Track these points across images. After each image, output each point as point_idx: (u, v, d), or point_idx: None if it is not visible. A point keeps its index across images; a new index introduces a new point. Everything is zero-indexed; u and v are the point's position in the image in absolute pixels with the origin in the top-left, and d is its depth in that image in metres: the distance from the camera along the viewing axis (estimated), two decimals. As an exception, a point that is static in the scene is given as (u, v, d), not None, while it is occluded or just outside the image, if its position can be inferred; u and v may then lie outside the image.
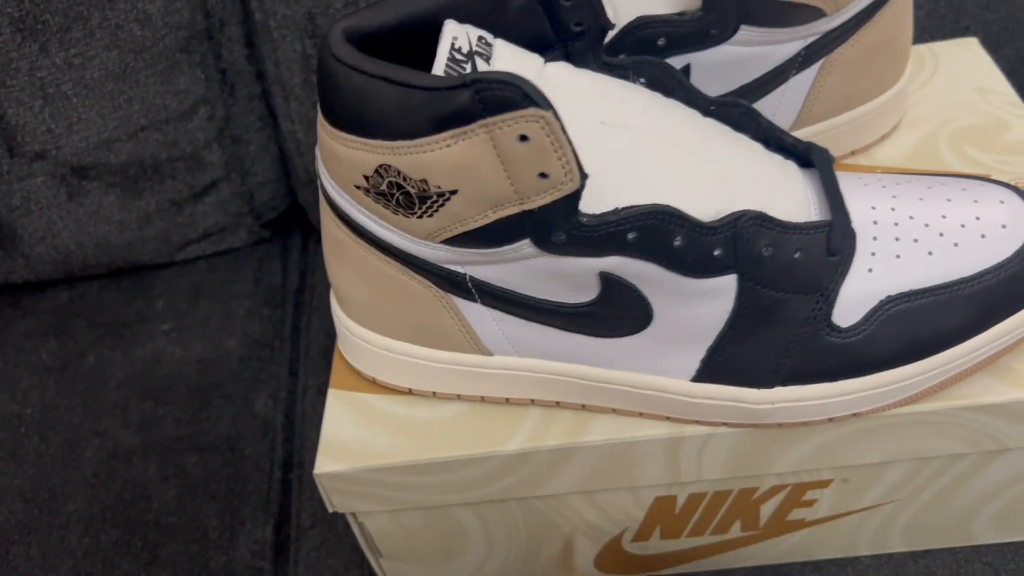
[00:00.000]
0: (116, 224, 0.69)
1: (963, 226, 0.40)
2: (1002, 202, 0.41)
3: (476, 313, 0.40)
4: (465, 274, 0.39)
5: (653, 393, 0.41)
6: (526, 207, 0.35)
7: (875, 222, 0.40)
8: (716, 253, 0.36)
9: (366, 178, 0.36)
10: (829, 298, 0.38)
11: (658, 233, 0.35)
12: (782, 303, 0.38)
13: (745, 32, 0.44)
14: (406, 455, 0.42)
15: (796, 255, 0.37)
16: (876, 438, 0.42)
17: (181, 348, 0.67)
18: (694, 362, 0.40)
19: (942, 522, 0.48)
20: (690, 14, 0.43)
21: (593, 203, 0.35)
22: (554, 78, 0.37)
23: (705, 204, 0.37)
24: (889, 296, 0.38)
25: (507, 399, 0.43)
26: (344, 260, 0.41)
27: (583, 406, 0.43)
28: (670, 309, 0.38)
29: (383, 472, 0.43)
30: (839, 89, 0.49)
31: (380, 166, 0.35)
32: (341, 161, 0.36)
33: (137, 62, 0.64)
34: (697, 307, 0.38)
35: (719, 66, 0.45)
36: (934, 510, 0.47)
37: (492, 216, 0.35)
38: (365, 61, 0.33)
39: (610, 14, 0.45)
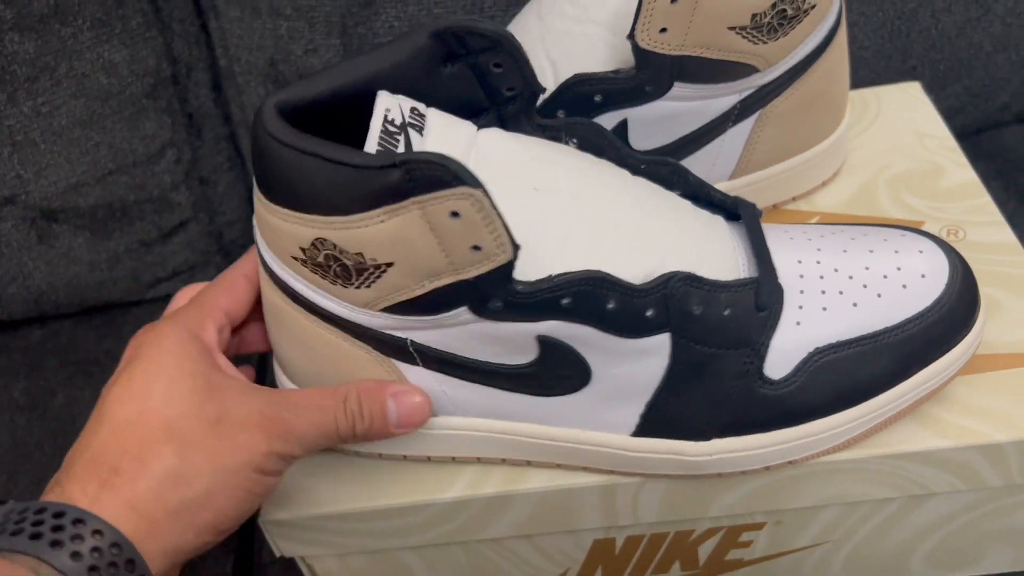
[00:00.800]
0: (86, 265, 0.71)
1: (885, 277, 0.41)
2: (921, 252, 0.42)
3: (419, 377, 0.40)
4: (406, 339, 0.39)
5: (595, 448, 0.42)
6: (461, 277, 0.35)
7: (801, 275, 0.41)
8: (648, 314, 0.37)
9: (303, 250, 0.36)
10: (760, 352, 0.39)
11: (591, 298, 0.36)
12: (715, 358, 0.39)
13: (679, 88, 0.46)
14: (348, 502, 0.44)
15: (726, 312, 0.38)
16: (805, 484, 0.43)
17: (149, 386, 0.68)
18: (634, 417, 0.41)
19: (879, 561, 0.49)
20: (625, 72, 0.45)
21: (529, 268, 0.36)
22: (487, 146, 0.38)
23: (637, 266, 0.38)
24: (817, 348, 0.40)
25: (453, 458, 0.44)
26: (283, 327, 0.41)
27: (528, 463, 0.44)
28: (607, 368, 0.39)
29: (327, 519, 0.44)
30: (776, 140, 0.50)
31: (316, 239, 0.35)
32: (277, 233, 0.37)
33: (104, 109, 0.66)
34: (633, 365, 0.39)
35: (656, 120, 0.47)
36: (869, 550, 0.48)
37: (429, 286, 0.36)
38: (297, 137, 0.34)
39: (549, 71, 0.47)
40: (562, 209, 0.38)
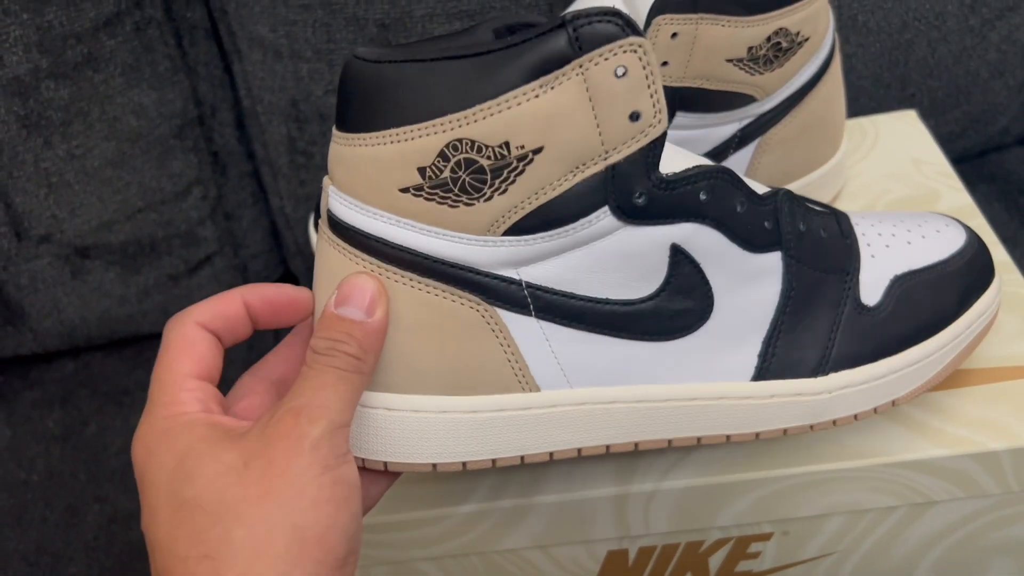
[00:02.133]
0: (117, 299, 0.74)
1: (920, 226, 0.45)
2: (939, 220, 0.46)
3: (527, 332, 0.37)
4: (520, 280, 0.36)
5: (715, 403, 0.40)
6: (611, 161, 0.34)
7: (855, 224, 0.44)
8: (767, 224, 0.39)
9: (421, 172, 0.33)
10: (854, 277, 0.41)
11: (724, 194, 0.37)
12: (820, 283, 0.40)
13: (682, 118, 0.48)
14: (369, 515, 0.46)
15: (823, 233, 0.41)
16: (808, 493, 0.45)
17: (178, 415, 0.71)
18: (751, 358, 0.40)
19: (885, 573, 0.50)
20: (627, 105, 0.47)
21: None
22: None
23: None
24: (896, 275, 0.42)
25: (551, 454, 0.39)
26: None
27: (636, 445, 0.40)
28: (729, 294, 0.39)
29: (352, 534, 0.46)
30: (776, 165, 0.53)
31: (448, 144, 0.33)
32: (384, 166, 0.34)
33: (134, 150, 0.69)
34: (753, 289, 0.39)
35: (658, 149, 0.49)
36: (876, 560, 0.50)
37: (573, 179, 0.34)
38: (413, 50, 0.33)
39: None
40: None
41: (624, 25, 0.31)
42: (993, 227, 0.54)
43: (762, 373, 0.40)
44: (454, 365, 0.37)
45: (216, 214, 0.75)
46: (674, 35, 0.44)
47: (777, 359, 0.40)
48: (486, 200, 0.34)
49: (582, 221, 0.35)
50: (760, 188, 0.41)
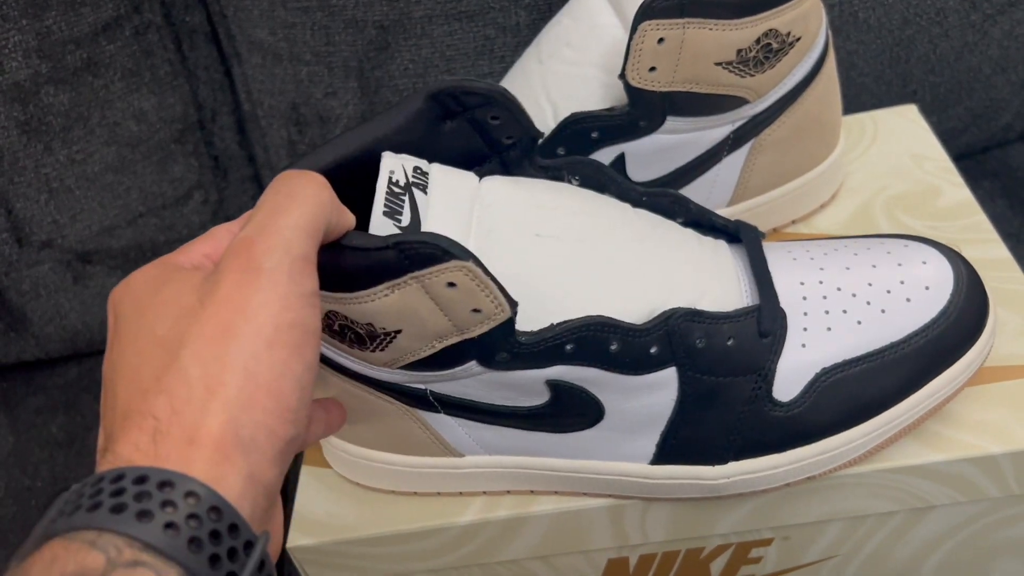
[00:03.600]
0: (120, 304, 0.74)
1: (889, 292, 0.42)
2: (924, 263, 0.43)
3: (442, 422, 0.42)
4: (426, 389, 0.41)
5: (616, 478, 0.43)
6: (467, 336, 0.37)
7: (804, 297, 0.42)
8: (652, 351, 0.39)
9: (326, 323, 0.38)
10: (767, 376, 0.40)
11: (594, 342, 0.38)
12: (723, 386, 0.40)
13: (673, 122, 0.48)
14: (371, 528, 0.46)
15: (729, 342, 0.39)
16: (807, 500, 0.45)
17: (181, 419, 0.71)
18: (650, 447, 0.42)
19: (890, 573, 0.50)
20: (619, 109, 0.47)
21: (535, 315, 0.38)
22: (488, 195, 0.40)
23: (639, 304, 0.39)
24: (824, 368, 0.41)
25: (484, 492, 0.46)
26: (316, 387, 0.42)
27: (556, 493, 0.45)
28: (619, 404, 0.40)
29: (350, 544, 0.46)
30: (771, 166, 0.52)
31: (329, 312, 0.37)
32: None
33: (134, 155, 0.69)
34: (644, 399, 0.40)
35: (651, 153, 0.49)
36: (878, 563, 0.49)
37: (438, 346, 0.38)
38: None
39: (549, 111, 0.49)
40: (564, 254, 0.39)
41: (444, 251, 0.34)
42: (996, 223, 0.54)
43: (661, 458, 0.42)
44: (390, 438, 0.44)
45: (217, 218, 0.75)
46: (661, 40, 0.43)
47: (675, 447, 0.41)
48: (372, 351, 0.39)
49: (458, 369, 0.39)
50: (718, 218, 0.43)
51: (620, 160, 0.49)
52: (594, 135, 0.47)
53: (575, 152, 0.48)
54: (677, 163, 0.50)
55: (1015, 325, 0.48)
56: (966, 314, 0.42)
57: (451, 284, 0.35)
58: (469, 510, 0.45)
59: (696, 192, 0.51)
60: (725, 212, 0.53)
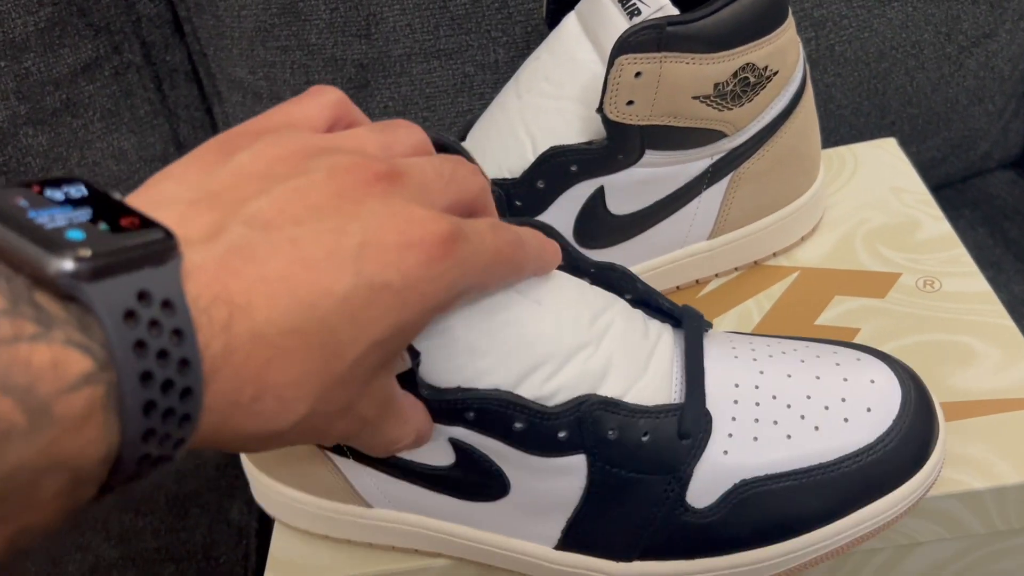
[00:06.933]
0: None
1: (827, 408, 0.39)
2: (872, 382, 0.40)
3: (353, 469, 0.42)
4: None
5: (518, 556, 0.42)
6: None
7: (736, 401, 0.39)
8: (561, 436, 0.37)
9: None
10: (682, 479, 0.38)
11: (496, 416, 0.36)
12: (634, 482, 0.38)
13: (651, 155, 0.48)
14: (346, 569, 0.45)
15: (644, 438, 0.37)
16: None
17: (161, 461, 0.70)
18: (556, 531, 0.40)
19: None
20: (597, 143, 0.47)
21: (445, 370, 0.36)
22: None
23: (556, 385, 0.37)
24: (744, 480, 0.38)
25: (393, 547, 0.45)
26: None
27: (459, 560, 0.44)
28: (524, 481, 0.39)
29: (328, 585, 0.45)
30: (751, 200, 0.52)
31: None
32: None
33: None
34: (550, 482, 0.38)
35: (631, 186, 0.49)
36: (865, 599, 0.48)
37: None
38: None
39: (528, 145, 0.49)
40: (493, 316, 0.36)
41: None
42: (977, 251, 0.54)
43: (565, 545, 0.41)
44: (302, 477, 0.44)
45: (198, 257, 0.74)
46: (638, 74, 0.43)
47: (580, 537, 0.40)
48: None
49: None
50: (664, 301, 0.42)
51: (599, 193, 0.49)
52: (573, 168, 0.47)
53: (553, 185, 0.48)
54: (656, 196, 0.50)
55: (996, 360, 0.48)
56: (908, 443, 0.39)
57: None
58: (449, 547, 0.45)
59: (676, 225, 0.51)
60: (706, 245, 0.53)
